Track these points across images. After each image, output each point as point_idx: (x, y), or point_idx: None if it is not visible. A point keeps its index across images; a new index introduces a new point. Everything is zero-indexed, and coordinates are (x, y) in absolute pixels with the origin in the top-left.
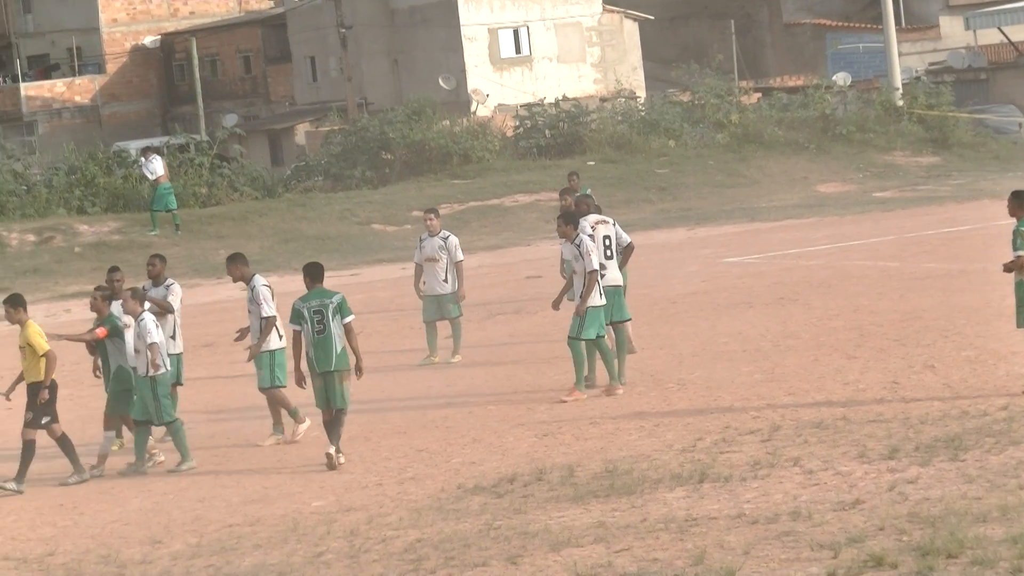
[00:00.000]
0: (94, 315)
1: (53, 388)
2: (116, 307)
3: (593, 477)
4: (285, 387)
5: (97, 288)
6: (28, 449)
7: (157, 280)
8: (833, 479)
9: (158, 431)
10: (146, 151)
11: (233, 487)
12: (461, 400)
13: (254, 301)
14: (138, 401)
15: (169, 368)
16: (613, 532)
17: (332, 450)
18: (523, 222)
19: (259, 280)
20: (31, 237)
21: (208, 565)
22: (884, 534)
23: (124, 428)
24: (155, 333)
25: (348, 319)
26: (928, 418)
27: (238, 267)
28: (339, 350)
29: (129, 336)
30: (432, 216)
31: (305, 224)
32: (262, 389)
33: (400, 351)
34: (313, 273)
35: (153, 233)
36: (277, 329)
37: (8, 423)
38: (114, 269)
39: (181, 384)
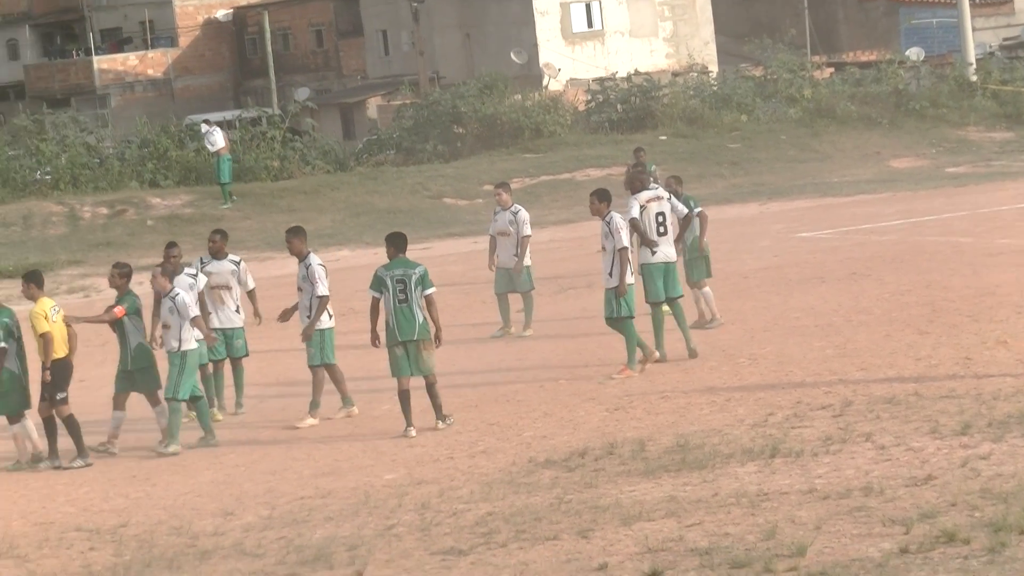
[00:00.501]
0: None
1: (66, 368)
2: (181, 280)
3: (664, 451)
4: (334, 364)
5: (116, 265)
6: (68, 425)
7: (218, 255)
8: (905, 455)
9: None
10: (206, 123)
11: (304, 460)
12: (532, 374)
13: (308, 279)
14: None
15: (195, 345)
16: (684, 506)
17: (439, 425)
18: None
19: (315, 259)
20: (104, 210)
21: (280, 537)
22: (956, 510)
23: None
24: (195, 308)
25: (429, 291)
26: (1001, 394)
27: (300, 241)
28: (421, 320)
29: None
30: (502, 191)
31: (377, 198)
32: (311, 367)
33: (472, 324)
34: (397, 243)
35: (226, 207)
36: (327, 309)
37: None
38: (171, 244)
39: (247, 355)
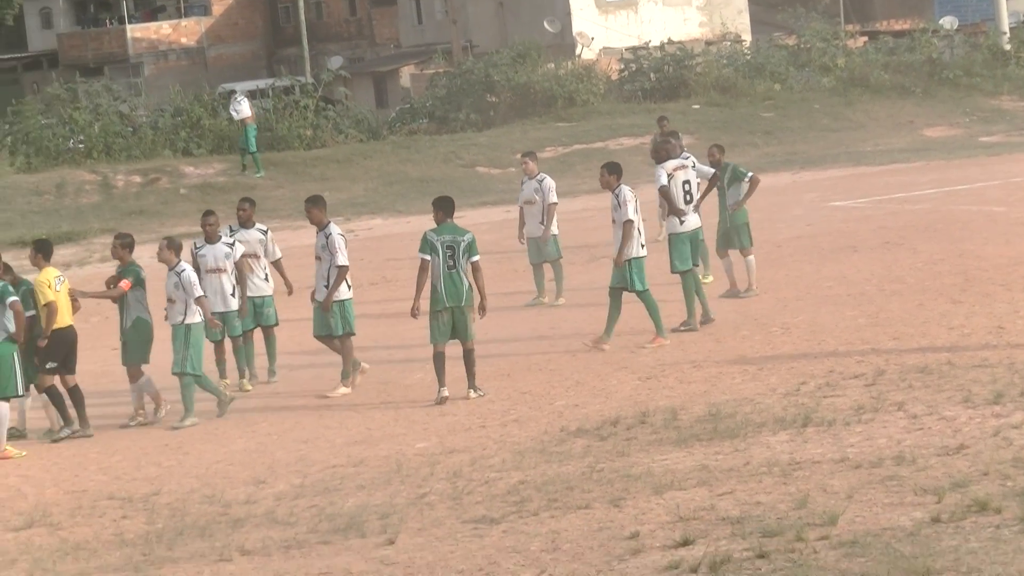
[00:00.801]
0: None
1: (69, 339)
2: (218, 248)
3: (696, 420)
4: (355, 335)
5: (117, 236)
6: (73, 395)
7: (247, 224)
8: (937, 424)
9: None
10: (232, 92)
11: (336, 428)
12: (565, 343)
13: (327, 249)
14: (173, 352)
15: (199, 319)
16: (716, 475)
17: (471, 394)
18: (627, 165)
19: (335, 228)
20: (137, 178)
21: (312, 505)
22: (988, 479)
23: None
24: (199, 286)
25: (476, 258)
26: None
27: (319, 210)
28: (467, 287)
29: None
30: (528, 159)
31: (410, 166)
32: (335, 337)
33: (504, 293)
34: (444, 206)
35: (259, 175)
36: (347, 279)
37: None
38: (208, 213)
39: (277, 324)
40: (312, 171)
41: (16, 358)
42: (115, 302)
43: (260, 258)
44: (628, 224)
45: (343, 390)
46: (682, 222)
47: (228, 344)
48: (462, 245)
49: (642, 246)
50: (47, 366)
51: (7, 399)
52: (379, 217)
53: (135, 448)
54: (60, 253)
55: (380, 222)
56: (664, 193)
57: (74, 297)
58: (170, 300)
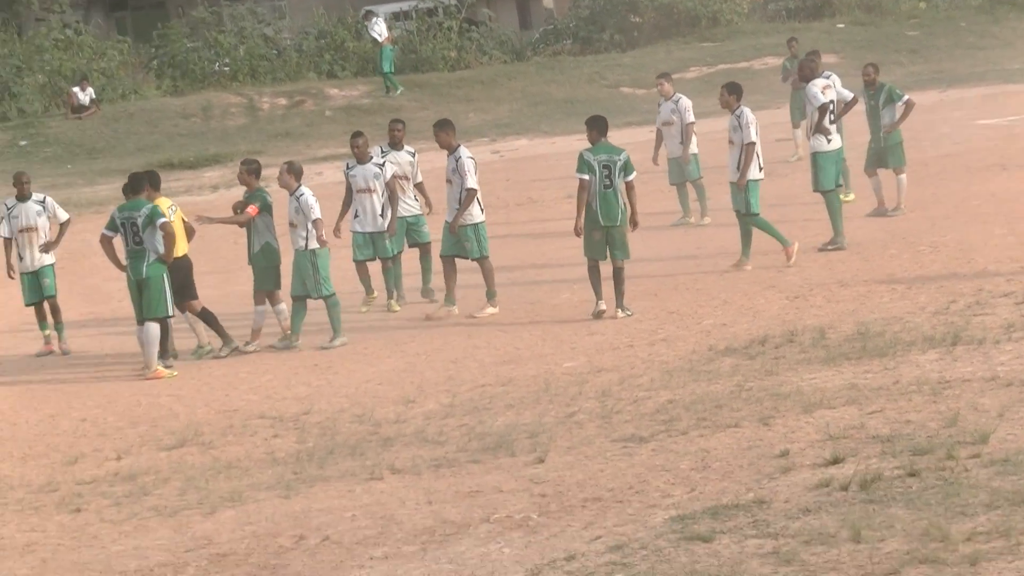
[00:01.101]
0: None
1: (184, 267)
2: (367, 169)
3: (845, 339)
4: (488, 258)
5: (244, 162)
6: (204, 317)
7: (398, 146)
8: None
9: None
10: (368, 14)
11: (485, 348)
12: (711, 262)
13: (457, 172)
14: (295, 277)
15: (324, 243)
16: (865, 394)
17: (619, 313)
18: (772, 85)
19: (464, 151)
20: (282, 101)
21: (461, 424)
22: None
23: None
24: (317, 208)
25: (631, 177)
26: None
27: (447, 134)
28: (622, 206)
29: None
30: (664, 81)
31: (554, 87)
32: (473, 260)
33: (651, 213)
34: (599, 126)
35: (399, 92)
36: (478, 201)
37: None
38: (357, 134)
39: (429, 241)
40: (456, 92)
41: (166, 279)
42: (243, 227)
43: (410, 180)
44: (751, 146)
45: (490, 310)
46: (829, 140)
47: (376, 266)
48: (618, 164)
49: (760, 168)
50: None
51: (158, 320)
52: (524, 138)
53: (285, 368)
54: (206, 175)
55: (525, 143)
56: (823, 111)
57: (190, 225)
58: (292, 225)
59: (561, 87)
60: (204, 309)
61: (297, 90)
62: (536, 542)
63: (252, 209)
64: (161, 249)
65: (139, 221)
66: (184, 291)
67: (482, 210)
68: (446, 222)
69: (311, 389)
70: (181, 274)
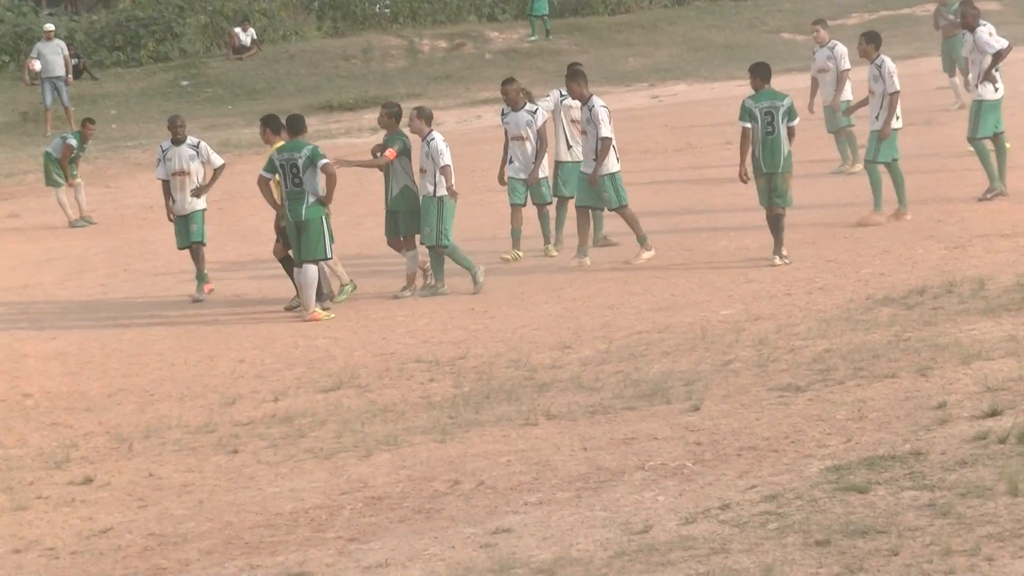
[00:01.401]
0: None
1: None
2: (520, 116)
3: (1004, 290)
4: (627, 206)
5: (384, 105)
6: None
7: (583, 99)
8: None
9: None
10: None
11: (641, 294)
12: (870, 210)
13: (591, 122)
14: (424, 225)
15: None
16: None
17: (776, 260)
18: (934, 32)
19: (597, 101)
20: (443, 43)
21: (617, 371)
22: None
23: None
24: (447, 155)
25: (794, 122)
26: None
27: (579, 84)
28: (786, 152)
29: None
30: (819, 27)
31: (714, 32)
32: (611, 210)
33: (810, 161)
34: (762, 73)
35: (533, 39)
36: (614, 150)
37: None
38: (508, 80)
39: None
40: (616, 36)
41: (325, 221)
42: (382, 171)
43: (525, 139)
44: (895, 96)
45: (646, 254)
46: (996, 89)
47: (531, 211)
48: (780, 110)
49: (897, 118)
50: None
51: (315, 261)
52: (683, 83)
53: (441, 312)
54: (366, 118)
55: (684, 88)
56: (998, 57)
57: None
58: (421, 170)
59: (721, 32)
60: (287, 258)
61: (457, 32)
62: (690, 490)
63: (390, 152)
64: (321, 191)
65: (299, 162)
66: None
67: (618, 159)
68: (583, 172)
69: (467, 333)
70: None
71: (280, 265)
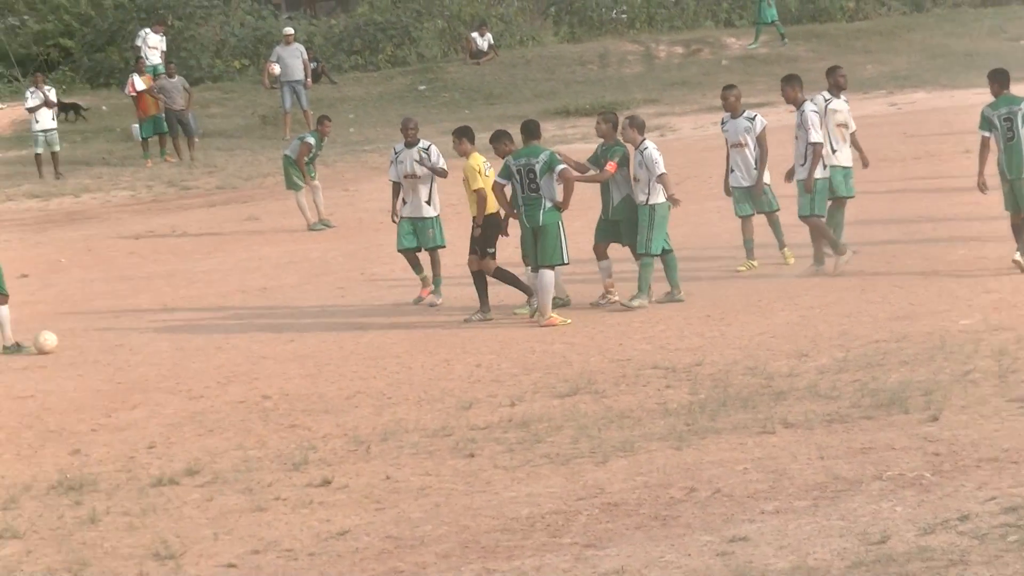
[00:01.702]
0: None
1: (493, 224)
2: (738, 124)
3: None
4: (823, 217)
5: (601, 113)
6: (499, 275)
7: (797, 103)
8: None
9: None
10: None
11: (879, 303)
12: None
13: (802, 127)
14: (638, 233)
15: (663, 199)
16: None
17: (1018, 256)
18: None
19: (809, 106)
20: (679, 49)
21: (854, 380)
22: None
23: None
24: (661, 163)
25: None
26: None
27: (794, 88)
28: None
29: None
30: None
31: (953, 40)
32: (802, 217)
33: None
34: (1001, 79)
35: (753, 46)
36: (823, 157)
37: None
38: (729, 87)
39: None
40: (854, 44)
41: (562, 227)
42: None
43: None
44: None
45: (844, 258)
46: None
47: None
48: (1019, 114)
49: None
50: (488, 251)
51: (553, 267)
52: (922, 91)
53: (678, 318)
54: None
55: (923, 95)
56: None
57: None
58: (635, 179)
59: (960, 40)
60: (499, 268)
61: (694, 38)
62: (929, 501)
63: (611, 166)
64: (558, 196)
65: (537, 168)
66: (486, 249)
67: (825, 167)
68: (799, 180)
69: (704, 340)
70: (498, 231)
71: (472, 279)
